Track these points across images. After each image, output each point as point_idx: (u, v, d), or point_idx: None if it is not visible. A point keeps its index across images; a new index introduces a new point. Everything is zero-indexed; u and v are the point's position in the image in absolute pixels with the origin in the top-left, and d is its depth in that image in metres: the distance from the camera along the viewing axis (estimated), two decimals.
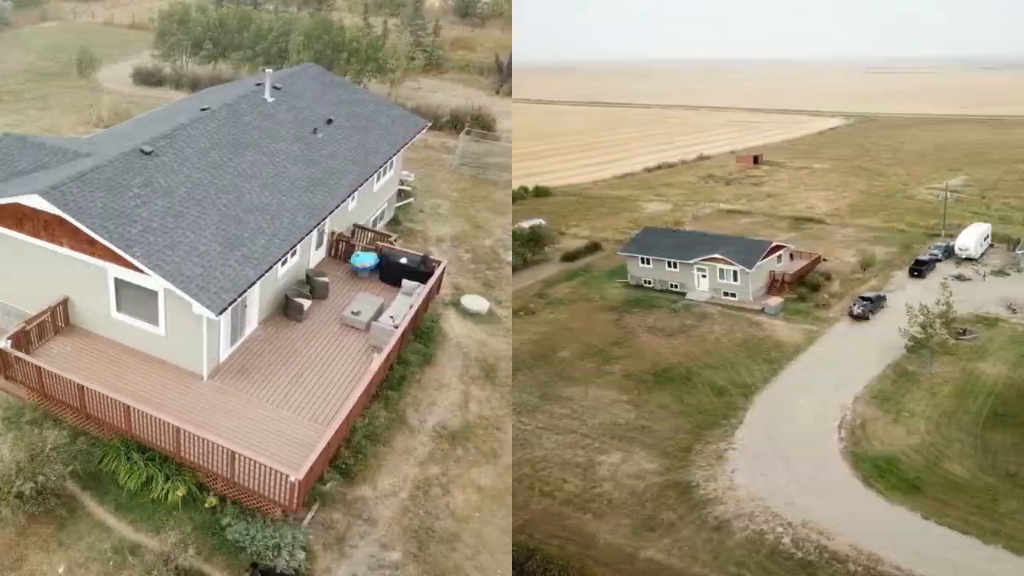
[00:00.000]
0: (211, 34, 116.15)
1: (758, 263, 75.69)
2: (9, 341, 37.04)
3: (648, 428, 54.32)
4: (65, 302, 39.87)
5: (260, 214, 41.91)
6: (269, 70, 56.94)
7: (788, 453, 50.08)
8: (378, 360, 39.31)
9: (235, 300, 36.28)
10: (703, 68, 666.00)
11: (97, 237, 35.34)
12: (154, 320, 37.92)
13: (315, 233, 46.00)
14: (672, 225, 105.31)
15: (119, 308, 38.73)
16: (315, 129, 52.43)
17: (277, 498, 32.39)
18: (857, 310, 71.43)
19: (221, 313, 35.18)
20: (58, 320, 39.82)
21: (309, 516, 34.73)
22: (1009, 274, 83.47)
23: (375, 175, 54.24)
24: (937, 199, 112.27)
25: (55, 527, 33.13)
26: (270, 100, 52.69)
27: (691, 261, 78.68)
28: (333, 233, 50.37)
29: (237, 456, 32.19)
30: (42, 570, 31.72)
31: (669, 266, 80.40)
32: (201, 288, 35.34)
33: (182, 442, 33.51)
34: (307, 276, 46.30)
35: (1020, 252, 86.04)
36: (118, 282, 37.76)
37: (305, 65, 70.28)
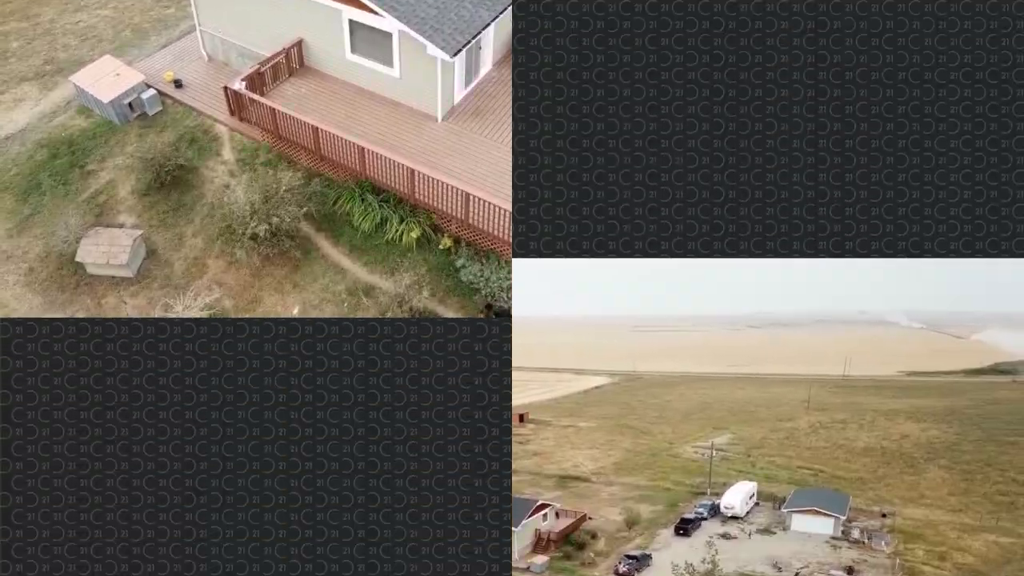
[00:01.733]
0: None
1: (524, 521, 69.80)
2: (244, 83, 36.30)
3: None
4: (299, 44, 38.73)
5: None
6: None
7: None
8: None
9: (469, 42, 34.01)
10: None
11: None
12: (388, 62, 36.27)
13: None
14: None
15: (353, 50, 37.21)
16: None
17: (511, 239, 31.25)
18: (623, 568, 66.23)
19: (455, 55, 33.17)
20: (292, 61, 38.82)
21: None
22: (775, 532, 77.51)
23: None
24: (703, 457, 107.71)
25: (290, 268, 33.06)
26: None
27: None
28: None
29: (471, 197, 30.98)
30: (276, 311, 31.83)
31: None
32: (435, 29, 33.20)
33: (416, 184, 32.49)
34: None
35: (786, 510, 79.79)
36: (352, 23, 36.03)
37: None
